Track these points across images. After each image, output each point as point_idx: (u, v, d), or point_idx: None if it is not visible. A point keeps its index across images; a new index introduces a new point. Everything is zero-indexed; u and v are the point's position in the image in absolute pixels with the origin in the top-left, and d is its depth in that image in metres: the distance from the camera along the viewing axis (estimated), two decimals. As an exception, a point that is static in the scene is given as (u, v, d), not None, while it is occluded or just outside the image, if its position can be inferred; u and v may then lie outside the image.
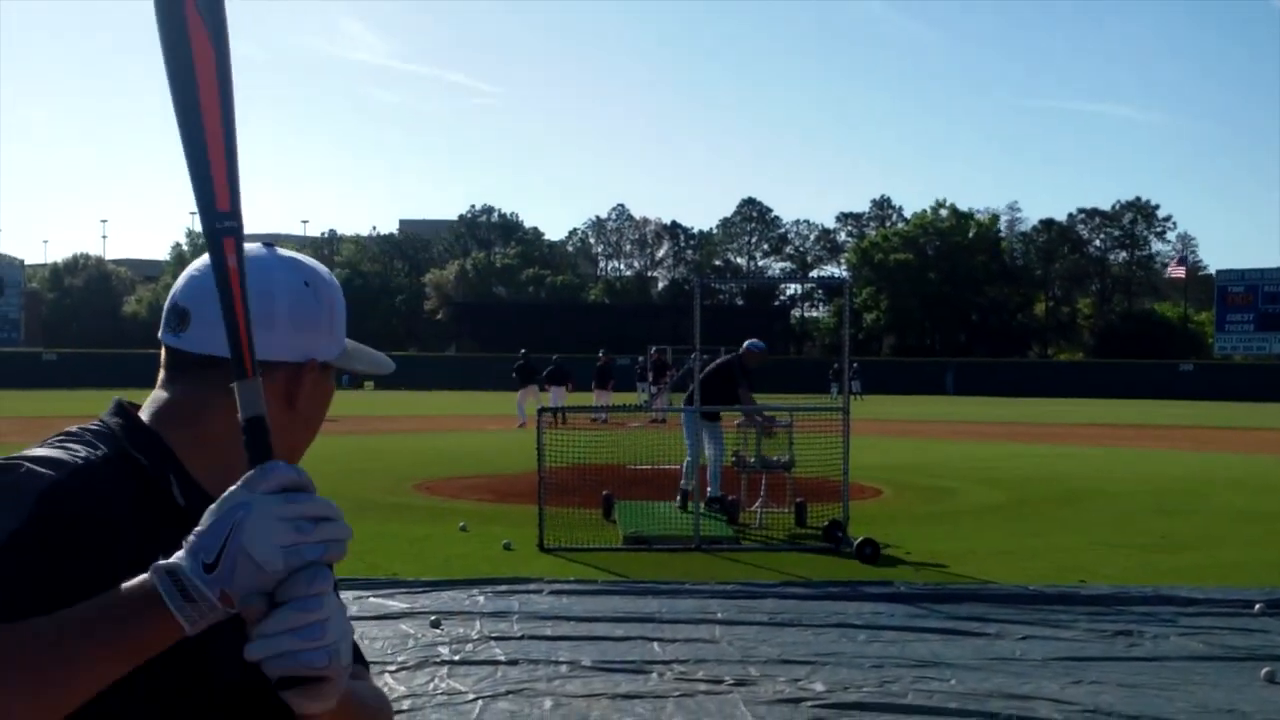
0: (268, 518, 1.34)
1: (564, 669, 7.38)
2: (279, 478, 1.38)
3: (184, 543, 1.35)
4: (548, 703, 6.65)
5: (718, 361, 15.60)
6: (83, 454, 1.56)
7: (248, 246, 1.67)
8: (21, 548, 1.42)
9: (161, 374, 1.74)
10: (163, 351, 1.74)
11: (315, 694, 1.35)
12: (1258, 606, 9.26)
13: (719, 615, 8.93)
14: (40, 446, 1.58)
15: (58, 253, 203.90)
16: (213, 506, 1.37)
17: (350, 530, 1.41)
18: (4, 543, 1.41)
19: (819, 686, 7.02)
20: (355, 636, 1.53)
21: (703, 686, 7.01)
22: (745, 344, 15.19)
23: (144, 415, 1.71)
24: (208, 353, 1.67)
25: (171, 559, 1.34)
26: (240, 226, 1.49)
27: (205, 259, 1.65)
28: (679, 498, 14.69)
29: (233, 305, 1.46)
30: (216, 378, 1.64)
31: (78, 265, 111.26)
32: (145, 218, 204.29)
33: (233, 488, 1.37)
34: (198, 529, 1.35)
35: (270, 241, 1.79)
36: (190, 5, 1.42)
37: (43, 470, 1.50)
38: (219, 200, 1.47)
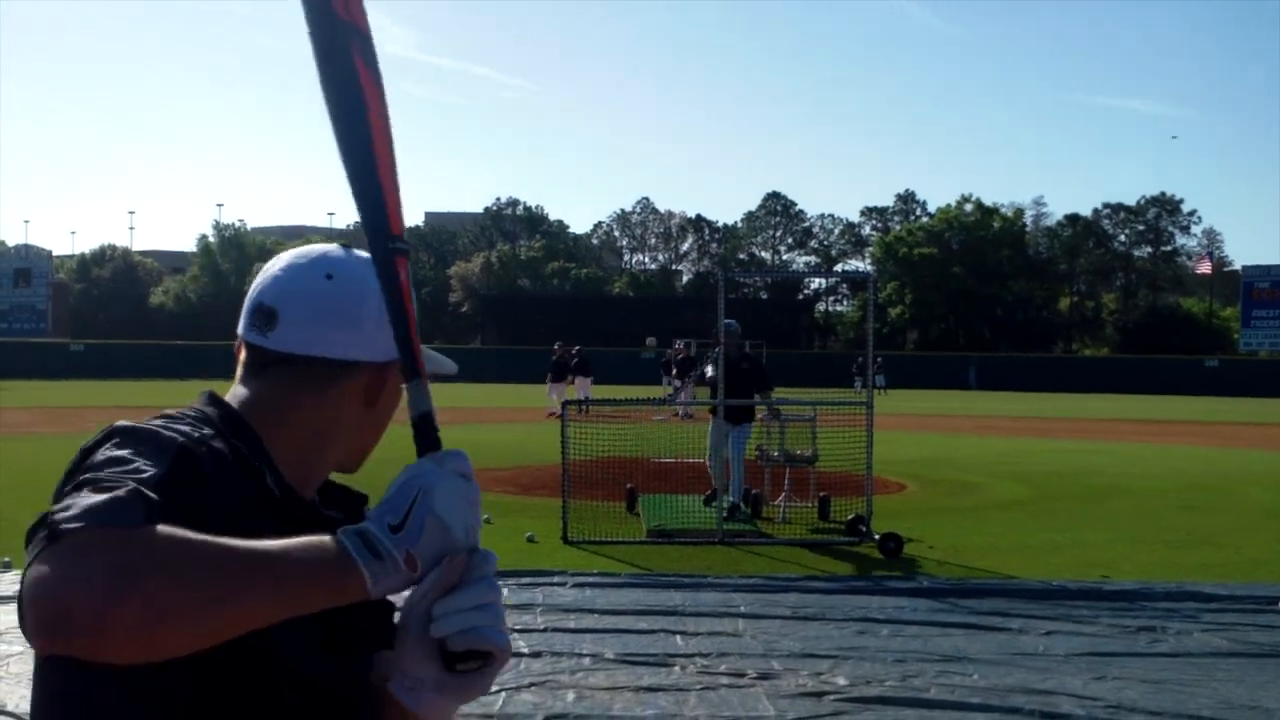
0: (455, 491, 1.45)
1: (587, 661, 7.41)
2: (462, 463, 1.49)
3: (366, 513, 1.47)
4: (571, 695, 6.68)
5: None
6: (198, 431, 1.61)
7: (325, 246, 1.79)
8: (174, 484, 1.45)
9: (240, 370, 1.77)
10: (243, 349, 1.77)
11: (487, 674, 1.46)
12: (1282, 603, 9.25)
13: (742, 609, 8.95)
14: (157, 419, 1.62)
15: (85, 244, 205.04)
16: (399, 476, 1.46)
17: None
18: (161, 476, 1.44)
19: (841, 680, 7.03)
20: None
21: (725, 679, 7.03)
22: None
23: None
24: (294, 351, 1.71)
25: (357, 525, 1.43)
26: (409, 247, 1.61)
27: (286, 258, 1.77)
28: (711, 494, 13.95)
29: (404, 315, 1.57)
30: (297, 376, 1.71)
31: (105, 256, 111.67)
32: (172, 209, 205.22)
33: (420, 461, 1.49)
34: (385, 497, 1.46)
35: (347, 243, 1.83)
36: (356, 55, 1.58)
37: (173, 434, 1.55)
38: (393, 225, 1.57)
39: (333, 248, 1.79)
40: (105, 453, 1.49)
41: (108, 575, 1.27)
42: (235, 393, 1.75)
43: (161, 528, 1.33)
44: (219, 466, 1.57)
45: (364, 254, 1.78)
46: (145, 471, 1.45)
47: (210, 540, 1.34)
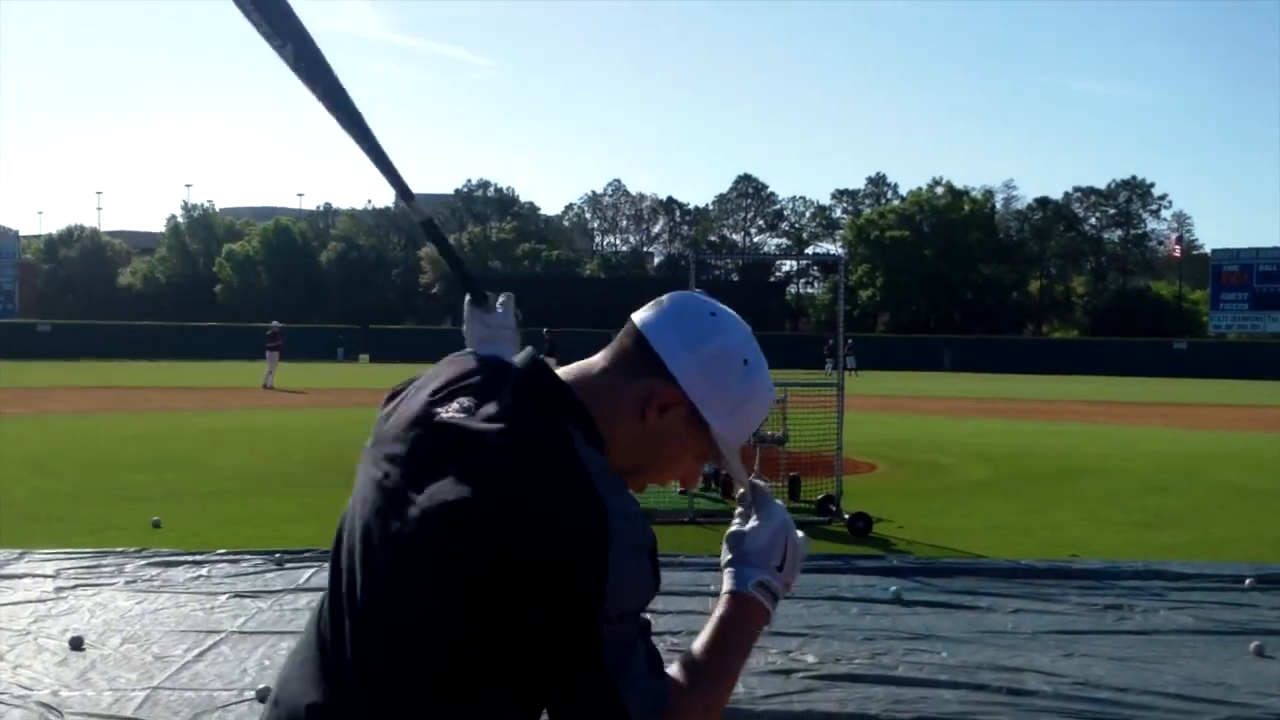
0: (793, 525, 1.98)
1: (557, 639, 7.38)
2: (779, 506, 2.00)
3: (735, 559, 1.95)
4: (541, 672, 6.66)
5: None
6: (623, 494, 1.75)
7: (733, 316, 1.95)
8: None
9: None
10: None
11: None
12: (1248, 581, 9.30)
13: (712, 588, 8.93)
14: (606, 478, 1.73)
15: (52, 224, 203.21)
16: (754, 528, 1.97)
17: None
18: (648, 599, 1.75)
19: (810, 658, 7.05)
20: None
21: (695, 657, 7.02)
22: None
23: (571, 372, 1.89)
24: (640, 327, 1.87)
25: (747, 574, 1.91)
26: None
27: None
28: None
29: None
30: (627, 358, 1.88)
31: (72, 237, 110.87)
32: (140, 190, 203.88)
33: (768, 511, 1.99)
34: (751, 547, 1.95)
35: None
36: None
37: (639, 525, 1.72)
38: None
39: (735, 318, 1.93)
40: (622, 582, 1.67)
41: None
42: (601, 357, 1.92)
43: (678, 690, 1.80)
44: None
45: (746, 333, 1.94)
46: (645, 599, 1.74)
47: (708, 667, 1.85)
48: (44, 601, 8.16)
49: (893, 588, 7.53)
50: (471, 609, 1.61)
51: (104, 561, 9.42)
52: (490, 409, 1.75)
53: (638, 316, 1.89)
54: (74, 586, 8.60)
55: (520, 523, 1.61)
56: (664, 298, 1.91)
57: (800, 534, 1.97)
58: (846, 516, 11.97)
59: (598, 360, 1.89)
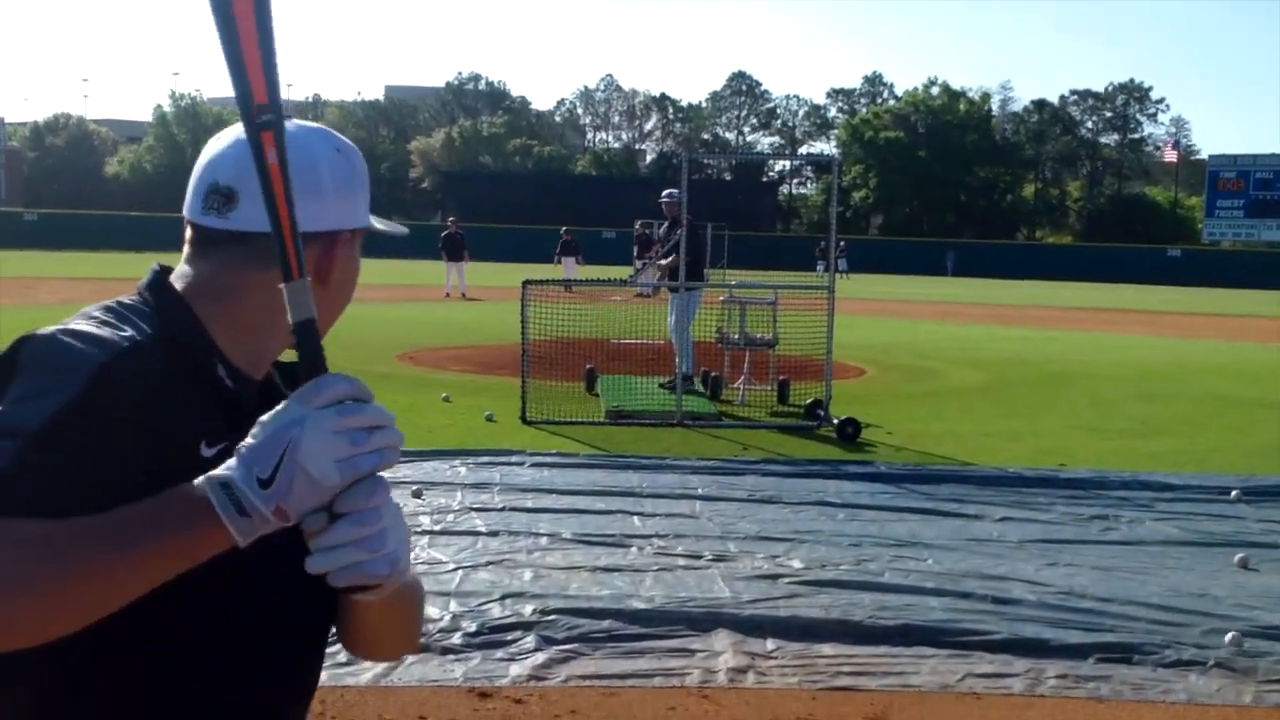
0: (323, 433, 1.32)
1: (544, 541, 7.41)
2: (333, 391, 1.36)
3: (236, 451, 1.33)
4: (528, 574, 6.68)
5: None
6: (128, 333, 1.50)
7: None
8: (70, 424, 1.37)
9: (188, 249, 1.65)
10: (188, 229, 1.65)
11: (375, 594, 1.41)
12: (1234, 493, 9.32)
13: (699, 491, 8.96)
14: (82, 321, 1.51)
15: (38, 111, 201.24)
16: (265, 419, 1.34)
17: (402, 436, 1.41)
18: (52, 416, 1.37)
19: (796, 563, 7.06)
20: None
21: (682, 561, 7.05)
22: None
23: (177, 289, 1.63)
24: (255, 230, 1.55)
25: (224, 469, 1.32)
26: (275, 118, 1.40)
27: (233, 133, 1.61)
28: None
29: (276, 203, 1.39)
30: (248, 253, 1.59)
31: (59, 124, 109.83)
32: (127, 77, 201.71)
33: (287, 402, 1.35)
34: (249, 442, 1.33)
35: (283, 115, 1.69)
36: None
37: (92, 349, 1.44)
38: (255, 91, 1.39)
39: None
40: (7, 382, 1.41)
41: None
42: (181, 272, 1.64)
43: (9, 521, 1.29)
44: (153, 372, 1.48)
45: (311, 123, 1.68)
46: (41, 414, 1.36)
47: (63, 526, 1.29)
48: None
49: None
50: None
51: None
52: None
53: (239, 219, 1.59)
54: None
55: None
56: (223, 168, 1.61)
57: (318, 454, 1.32)
58: (835, 421, 11.96)
59: (216, 279, 1.62)
